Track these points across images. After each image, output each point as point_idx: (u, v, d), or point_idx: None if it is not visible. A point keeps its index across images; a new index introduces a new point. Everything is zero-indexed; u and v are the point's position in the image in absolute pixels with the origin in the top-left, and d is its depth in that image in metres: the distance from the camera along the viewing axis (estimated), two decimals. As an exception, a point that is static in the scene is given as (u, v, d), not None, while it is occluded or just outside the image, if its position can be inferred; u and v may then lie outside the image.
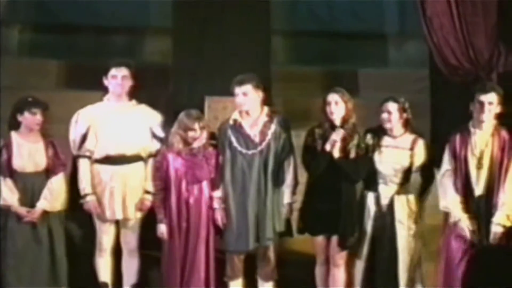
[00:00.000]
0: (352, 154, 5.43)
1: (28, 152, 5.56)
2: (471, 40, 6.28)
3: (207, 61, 6.82)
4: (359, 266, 5.57)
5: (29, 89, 6.28)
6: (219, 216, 5.63)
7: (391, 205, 5.48)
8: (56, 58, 7.73)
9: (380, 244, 5.51)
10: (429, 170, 5.51)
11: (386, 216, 5.49)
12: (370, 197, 5.54)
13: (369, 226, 5.53)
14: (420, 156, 5.48)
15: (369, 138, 5.54)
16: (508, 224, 5.25)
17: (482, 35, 6.26)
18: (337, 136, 5.39)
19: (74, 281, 5.71)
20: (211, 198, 5.65)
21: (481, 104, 5.30)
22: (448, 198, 5.40)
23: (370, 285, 5.54)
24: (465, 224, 5.35)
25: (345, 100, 5.45)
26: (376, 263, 5.52)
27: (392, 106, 5.45)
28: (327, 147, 5.39)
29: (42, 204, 5.52)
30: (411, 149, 5.47)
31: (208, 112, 6.31)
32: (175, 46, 7.18)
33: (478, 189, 5.36)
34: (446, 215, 5.45)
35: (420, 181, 5.51)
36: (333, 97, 5.44)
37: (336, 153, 5.39)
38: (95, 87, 6.11)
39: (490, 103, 5.30)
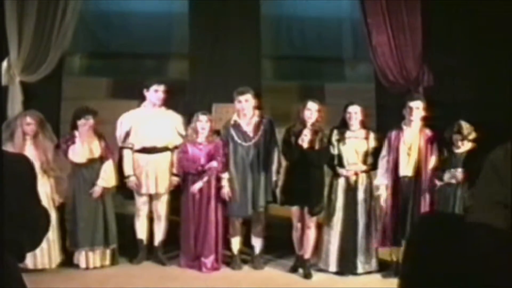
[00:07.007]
0: (317, 147, 5.41)
1: (86, 145, 5.58)
2: (404, 63, 6.30)
3: (213, 78, 6.67)
4: (328, 229, 5.57)
5: (85, 100, 6.25)
6: (225, 191, 5.61)
7: (356, 180, 5.52)
8: (105, 76, 7.66)
9: (349, 209, 5.51)
10: (377, 152, 5.56)
11: (353, 190, 5.51)
12: (341, 178, 5.55)
13: (339, 197, 5.52)
14: (372, 142, 5.56)
15: (335, 134, 5.54)
16: None
17: (411, 60, 6.27)
18: (306, 133, 5.40)
19: (120, 238, 5.74)
20: (218, 178, 5.63)
21: (410, 108, 5.41)
22: (379, 174, 5.50)
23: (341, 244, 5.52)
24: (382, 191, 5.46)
25: (320, 109, 5.48)
26: (345, 224, 5.51)
27: (355, 108, 5.53)
28: (299, 141, 5.39)
29: (101, 182, 5.56)
30: (366, 138, 5.55)
31: (215, 115, 6.11)
32: (190, 67, 7.10)
33: (408, 171, 5.43)
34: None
35: (372, 161, 5.57)
36: (312, 105, 5.44)
37: (305, 146, 5.39)
38: (133, 97, 6.17)
39: (417, 108, 5.41)
